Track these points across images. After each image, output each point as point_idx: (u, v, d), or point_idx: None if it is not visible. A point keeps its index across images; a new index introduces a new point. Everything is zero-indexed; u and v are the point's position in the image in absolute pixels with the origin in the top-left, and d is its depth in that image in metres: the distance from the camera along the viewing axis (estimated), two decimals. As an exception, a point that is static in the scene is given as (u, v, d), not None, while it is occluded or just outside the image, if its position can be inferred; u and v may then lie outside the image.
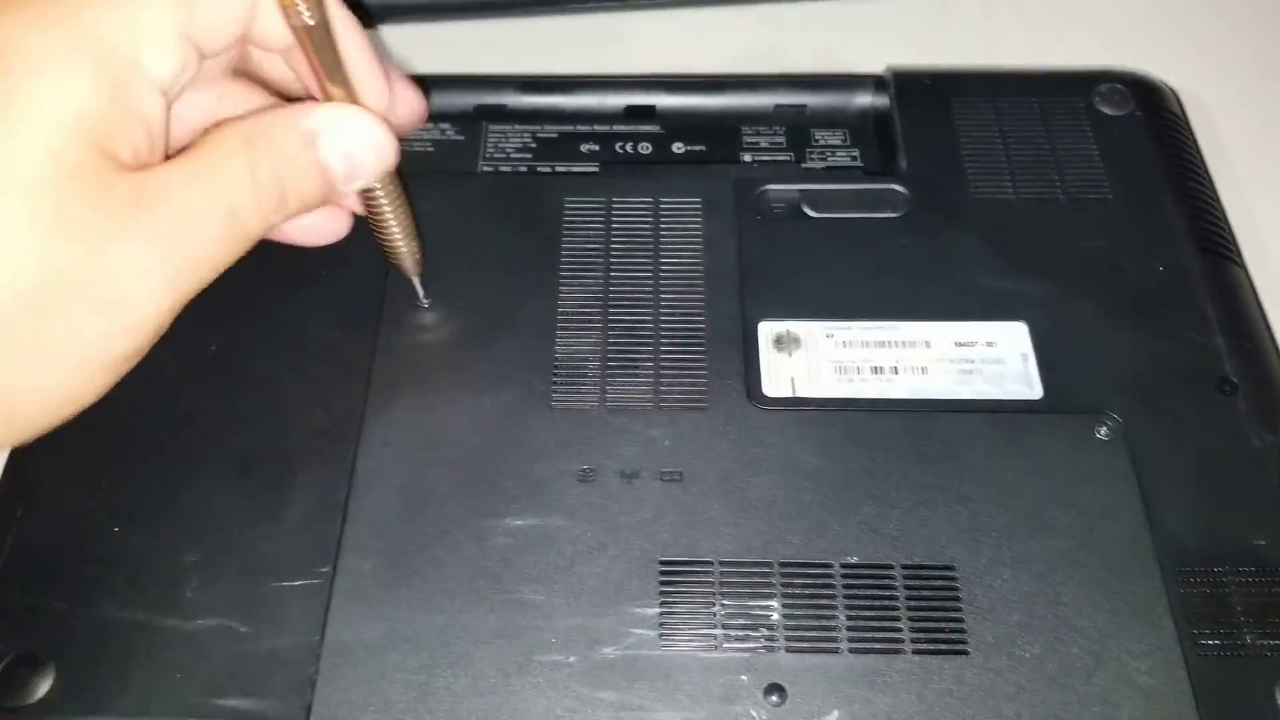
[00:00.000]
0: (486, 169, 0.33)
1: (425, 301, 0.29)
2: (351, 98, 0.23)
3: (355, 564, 0.25)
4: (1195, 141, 0.32)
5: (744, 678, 0.23)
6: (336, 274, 0.29)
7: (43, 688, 0.23)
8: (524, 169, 0.32)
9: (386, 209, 0.25)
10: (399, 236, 0.26)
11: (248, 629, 0.24)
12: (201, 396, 0.27)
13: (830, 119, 0.34)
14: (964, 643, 0.23)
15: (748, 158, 0.33)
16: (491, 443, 0.26)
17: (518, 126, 0.34)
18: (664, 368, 0.27)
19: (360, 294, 0.29)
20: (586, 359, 0.28)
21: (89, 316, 0.18)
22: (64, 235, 0.18)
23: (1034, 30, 0.40)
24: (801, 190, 0.31)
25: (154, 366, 0.28)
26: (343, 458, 0.26)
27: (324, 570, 0.25)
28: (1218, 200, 0.31)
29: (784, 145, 0.33)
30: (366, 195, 0.25)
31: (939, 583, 0.24)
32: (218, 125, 0.21)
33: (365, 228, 0.26)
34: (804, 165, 0.32)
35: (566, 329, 0.28)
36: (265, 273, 0.29)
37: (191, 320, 0.29)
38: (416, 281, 0.28)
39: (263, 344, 0.28)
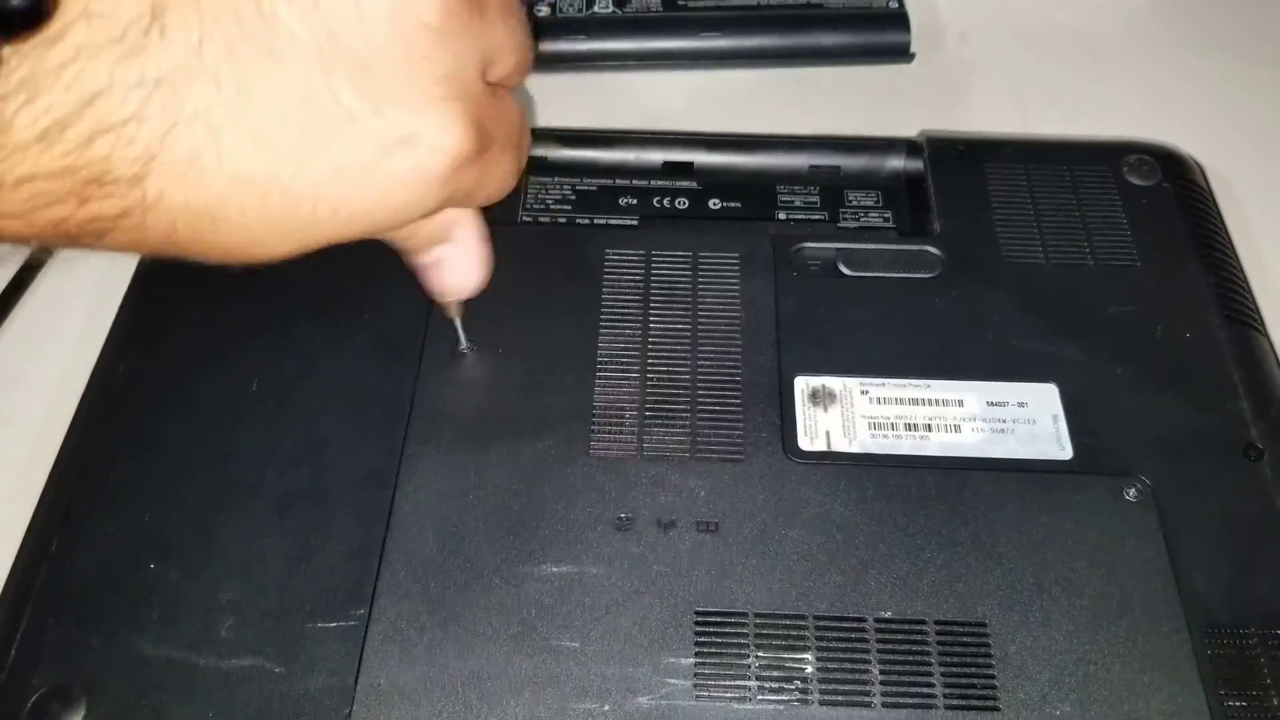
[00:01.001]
0: (526, 219, 0.35)
1: (467, 346, 0.30)
2: None
3: (391, 607, 0.26)
4: (1219, 213, 0.34)
5: (778, 730, 0.24)
6: (378, 317, 0.31)
7: (74, 722, 0.25)
8: (563, 220, 0.35)
9: None
10: None
11: (282, 669, 0.25)
12: (242, 435, 0.29)
13: (864, 180, 0.36)
14: (995, 699, 0.24)
15: (783, 215, 0.35)
16: (528, 488, 0.28)
17: (558, 179, 0.36)
18: (701, 419, 0.29)
19: (401, 337, 0.31)
20: (624, 408, 0.29)
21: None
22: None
23: (1051, 98, 0.42)
24: (838, 249, 0.33)
25: (195, 403, 0.30)
26: (381, 500, 0.28)
27: (360, 612, 0.26)
28: (1241, 270, 0.33)
29: (818, 205, 0.35)
30: None
31: (971, 639, 0.25)
32: None
33: (408, 271, 0.28)
34: (838, 225, 0.35)
35: (605, 378, 0.30)
36: (308, 314, 0.32)
37: (233, 359, 0.31)
38: (459, 324, 0.30)
39: (304, 384, 0.30)
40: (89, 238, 0.18)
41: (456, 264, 0.25)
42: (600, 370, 0.30)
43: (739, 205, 0.36)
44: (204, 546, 0.27)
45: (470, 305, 0.29)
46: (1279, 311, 0.34)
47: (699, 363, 0.30)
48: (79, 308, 0.35)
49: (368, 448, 0.29)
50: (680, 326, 0.31)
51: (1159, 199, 0.34)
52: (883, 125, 0.37)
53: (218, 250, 0.19)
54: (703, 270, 0.32)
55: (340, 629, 0.26)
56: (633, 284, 0.32)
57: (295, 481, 0.28)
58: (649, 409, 0.29)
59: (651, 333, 0.31)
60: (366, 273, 0.30)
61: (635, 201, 0.35)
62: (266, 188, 0.18)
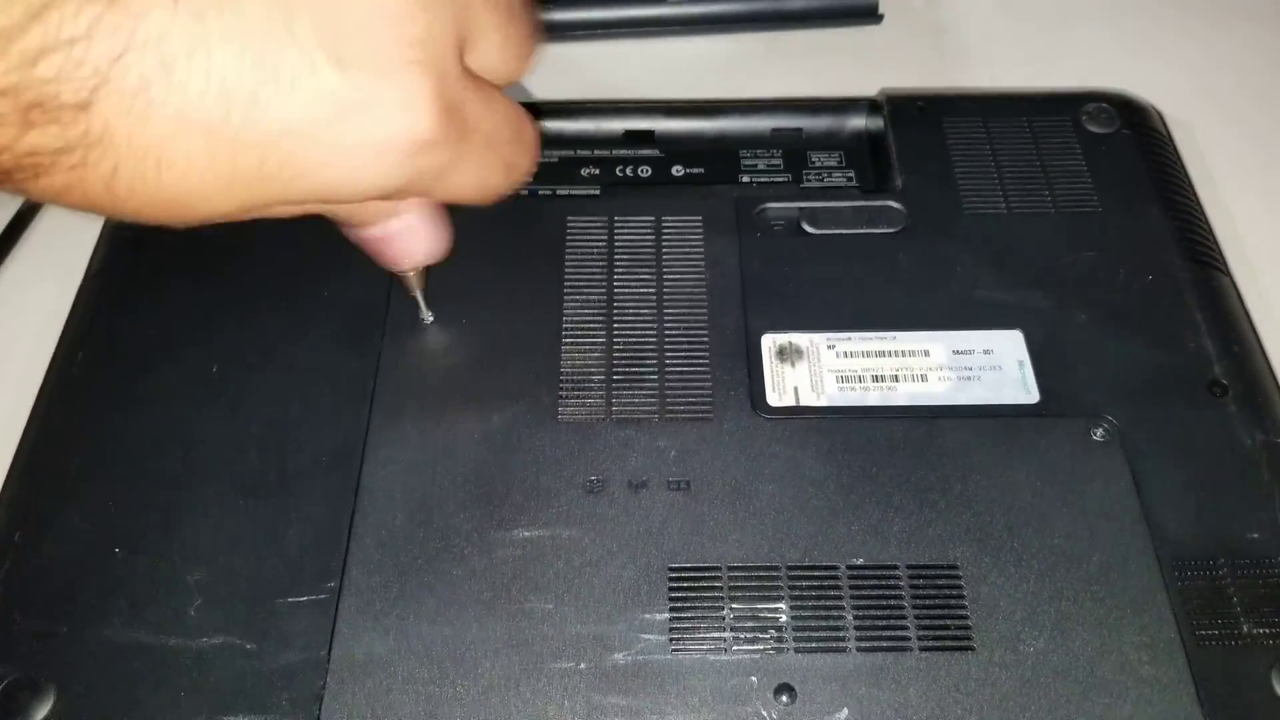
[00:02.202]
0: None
1: (428, 317, 0.31)
2: None
3: (362, 579, 0.27)
4: (1179, 158, 0.36)
5: (754, 679, 0.25)
6: (339, 294, 0.32)
7: (42, 711, 0.25)
8: (525, 192, 0.35)
9: None
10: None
11: (253, 646, 0.26)
12: (205, 418, 0.29)
13: (826, 141, 0.37)
14: (969, 639, 0.25)
15: (746, 179, 0.36)
16: (497, 457, 0.28)
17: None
18: (669, 380, 0.30)
19: (362, 313, 0.31)
20: (592, 373, 0.30)
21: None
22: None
23: (1021, 56, 0.44)
24: (800, 208, 0.34)
25: (156, 389, 0.31)
26: (348, 475, 0.28)
27: (330, 585, 0.26)
28: (1202, 213, 0.34)
29: (781, 167, 0.36)
30: None
31: (943, 582, 0.26)
32: None
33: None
34: (802, 185, 0.35)
35: (571, 343, 0.31)
36: (267, 295, 0.32)
37: (193, 343, 0.32)
38: (420, 297, 0.30)
39: (265, 363, 0.30)
40: (24, 175, 0.18)
41: (405, 239, 0.25)
42: (566, 336, 0.31)
43: (702, 171, 0.36)
44: (170, 531, 0.27)
45: (431, 277, 0.30)
46: (1241, 253, 0.35)
47: (665, 325, 0.31)
48: (38, 299, 0.35)
49: (333, 424, 0.29)
50: (645, 290, 0.32)
51: (1119, 146, 0.35)
52: (853, 88, 0.38)
53: (158, 203, 0.19)
54: (666, 234, 0.33)
55: (311, 603, 0.26)
56: (596, 250, 0.33)
57: (261, 462, 0.29)
58: (616, 372, 0.30)
59: (616, 297, 0.32)
60: (325, 248, 0.31)
61: (598, 171, 0.36)
62: (215, 132, 0.18)
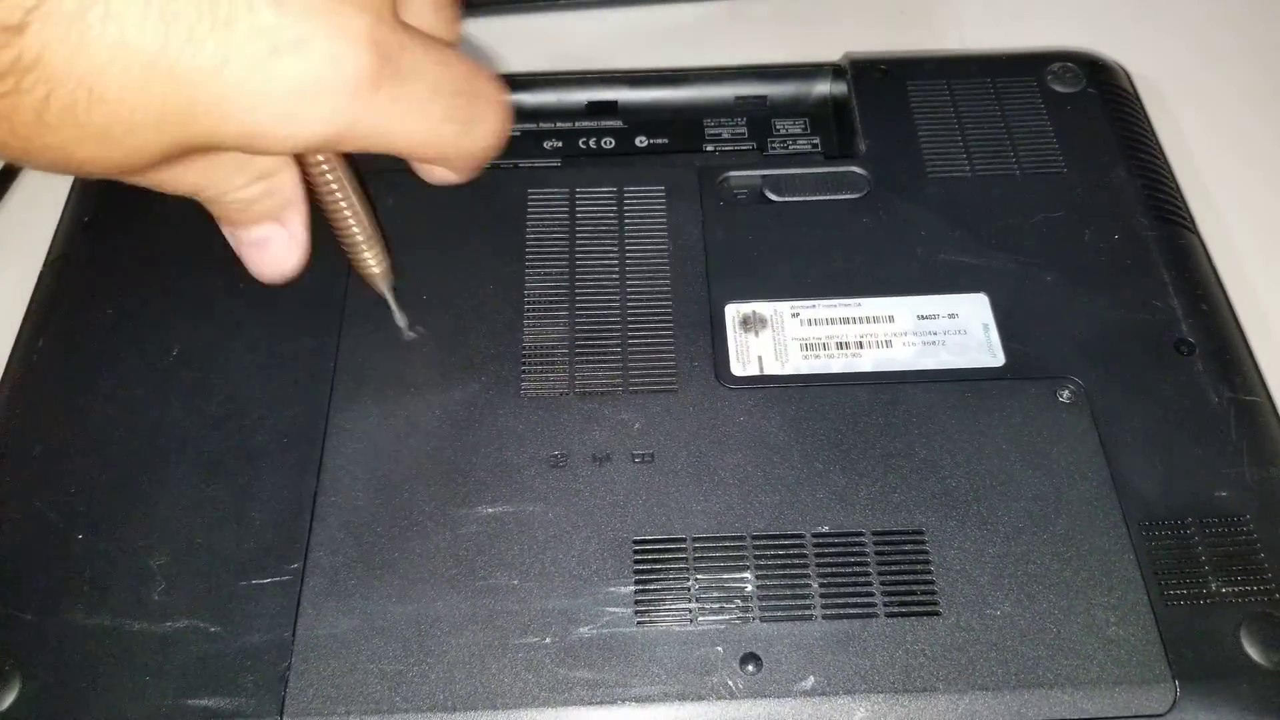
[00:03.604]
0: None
1: (408, 330, 0.30)
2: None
3: (326, 559, 0.26)
4: (1146, 116, 0.35)
5: (720, 649, 0.25)
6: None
7: (7, 699, 0.25)
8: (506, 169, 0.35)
9: (349, 218, 0.26)
10: (362, 247, 0.27)
11: (218, 628, 0.25)
12: (165, 402, 0.29)
13: (791, 108, 0.36)
14: (935, 603, 0.25)
15: (710, 148, 0.35)
16: (461, 433, 0.28)
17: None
18: (632, 352, 0.29)
19: (322, 290, 0.31)
20: (554, 347, 0.30)
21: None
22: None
23: (988, 18, 0.43)
24: (764, 176, 0.33)
25: (116, 374, 0.30)
26: (310, 456, 0.28)
27: (294, 567, 0.26)
28: (1169, 171, 0.34)
29: (746, 135, 0.36)
30: (329, 207, 0.26)
31: (909, 547, 0.26)
32: None
33: (323, 224, 0.28)
34: (765, 153, 0.35)
35: (533, 318, 0.30)
36: (225, 277, 0.32)
37: (152, 327, 0.31)
38: (392, 301, 0.29)
39: (225, 345, 0.30)
40: None
41: (276, 248, 0.25)
42: (528, 310, 0.30)
43: (666, 141, 0.36)
44: (132, 515, 0.27)
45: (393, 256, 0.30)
46: (1210, 210, 0.35)
47: (628, 297, 0.30)
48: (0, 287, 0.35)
49: (294, 405, 0.29)
50: (607, 262, 0.31)
51: (1084, 106, 0.34)
52: (819, 54, 0.38)
53: (86, 142, 0.19)
54: (628, 205, 0.32)
55: (275, 584, 0.26)
56: (557, 223, 0.32)
57: (222, 444, 0.28)
58: (579, 346, 0.30)
59: (579, 270, 0.31)
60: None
61: (560, 144, 0.36)
62: (151, 64, 0.18)
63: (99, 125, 0.19)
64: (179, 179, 0.22)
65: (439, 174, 0.25)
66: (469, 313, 0.30)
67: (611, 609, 0.25)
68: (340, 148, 0.22)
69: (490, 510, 0.27)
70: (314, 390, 0.29)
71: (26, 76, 0.17)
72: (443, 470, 0.27)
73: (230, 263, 0.25)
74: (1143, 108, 0.35)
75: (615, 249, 0.31)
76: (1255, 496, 0.26)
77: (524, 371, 0.29)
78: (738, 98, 0.36)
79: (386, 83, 0.20)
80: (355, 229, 0.27)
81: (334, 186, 0.26)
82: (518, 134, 0.35)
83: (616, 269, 0.31)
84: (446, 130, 0.23)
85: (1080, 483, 0.27)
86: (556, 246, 0.32)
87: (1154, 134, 0.35)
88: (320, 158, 0.25)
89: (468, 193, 0.33)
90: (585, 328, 0.30)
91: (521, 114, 0.36)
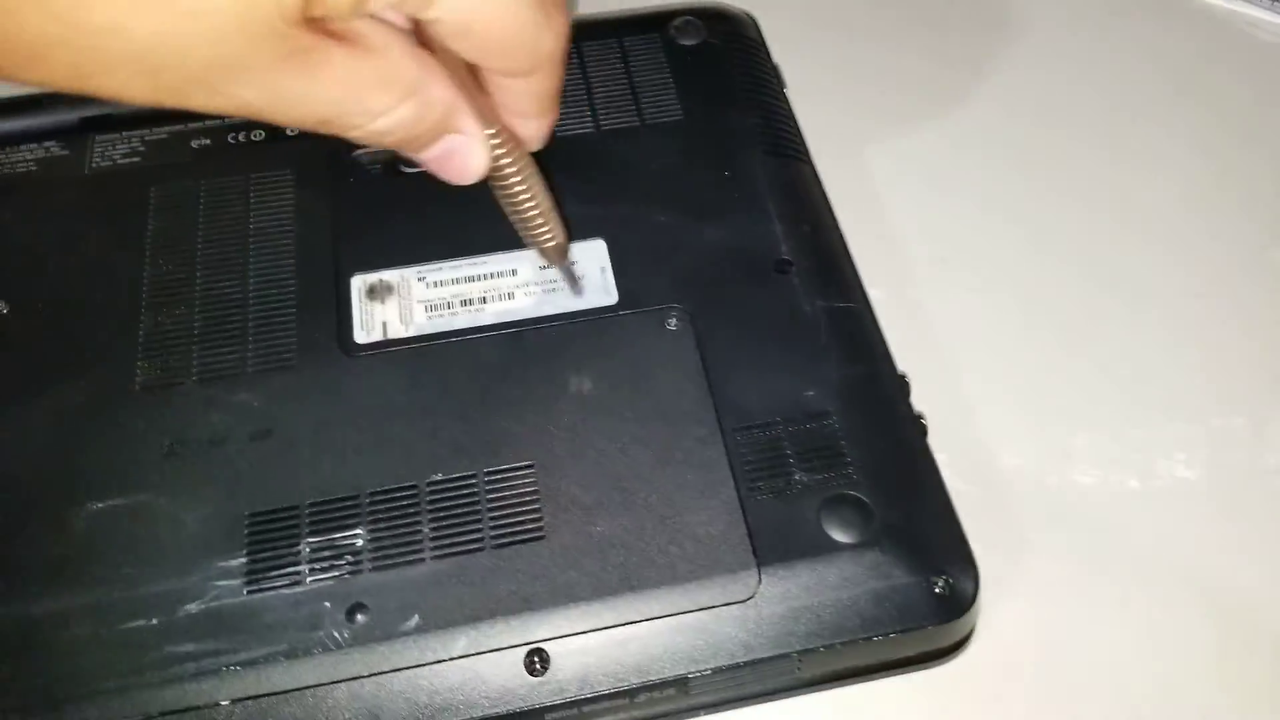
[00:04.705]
0: (89, 174, 0.34)
1: (582, 293, 0.30)
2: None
3: (-70, 575, 0.26)
4: (769, 60, 0.37)
5: (327, 604, 0.25)
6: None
7: None
8: (108, 162, 0.34)
9: (520, 193, 0.25)
10: (534, 220, 0.26)
11: None
12: None
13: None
14: (540, 528, 0.26)
15: (354, 131, 0.36)
16: (73, 432, 0.28)
17: (126, 133, 0.36)
18: (254, 334, 0.30)
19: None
20: (174, 336, 0.30)
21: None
22: None
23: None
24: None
25: None
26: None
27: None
28: (788, 109, 0.36)
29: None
30: (498, 182, 0.25)
31: (518, 481, 0.27)
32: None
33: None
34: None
35: (151, 310, 0.30)
36: None
37: None
38: (568, 270, 0.29)
39: None
40: None
41: (460, 156, 0.23)
42: (145, 304, 0.30)
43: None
44: None
45: (9, 257, 0.29)
46: (832, 142, 0.37)
47: (251, 280, 0.31)
48: None
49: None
50: (230, 250, 0.31)
51: (708, 56, 0.37)
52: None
53: (84, 39, 0.16)
54: (255, 192, 0.33)
55: None
56: (181, 215, 0.32)
57: None
58: (199, 334, 0.30)
59: (202, 260, 0.31)
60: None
61: (209, 142, 0.36)
62: None
63: (97, 19, 0.16)
64: (301, 94, 0.19)
65: (528, 121, 0.23)
66: (86, 312, 0.30)
67: (221, 582, 0.25)
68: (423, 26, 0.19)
69: (100, 505, 0.27)
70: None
71: None
72: (54, 471, 0.27)
73: None
74: (766, 52, 0.37)
75: (239, 235, 0.32)
76: (839, 393, 0.29)
77: (140, 363, 0.29)
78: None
79: (313, 25, 0.18)
80: (533, 206, 0.26)
81: (511, 166, 0.24)
82: (165, 136, 0.35)
83: (240, 254, 0.31)
84: (526, 17, 0.20)
85: (681, 400, 0.28)
86: (179, 238, 0.32)
87: (775, 76, 0.37)
88: (497, 140, 0.23)
89: (88, 195, 0.33)
90: (207, 314, 0.30)
91: (170, 116, 0.35)
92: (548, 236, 0.27)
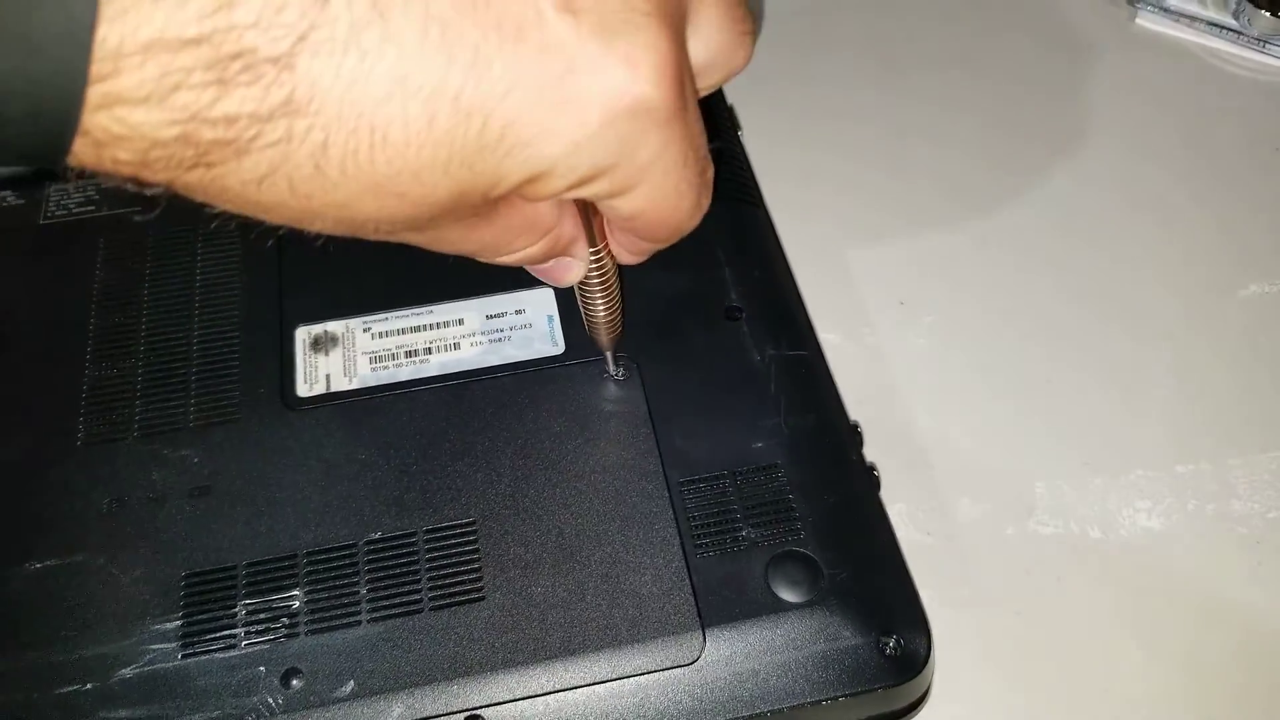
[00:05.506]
0: (46, 223, 0.35)
1: (616, 372, 0.30)
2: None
3: None
4: (724, 102, 0.37)
5: (262, 669, 0.25)
6: None
7: None
8: (58, 215, 0.34)
9: (598, 299, 0.26)
10: (602, 319, 0.27)
11: None
12: None
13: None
14: (480, 590, 0.26)
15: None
16: (14, 489, 0.28)
17: (82, 182, 0.36)
18: (197, 387, 0.30)
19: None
20: (116, 392, 0.30)
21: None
22: None
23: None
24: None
25: None
26: None
27: None
28: (742, 152, 0.36)
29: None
30: (585, 284, 0.26)
31: (459, 539, 0.27)
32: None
33: None
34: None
35: (95, 366, 0.30)
36: None
37: None
38: (609, 357, 0.29)
39: None
40: (221, 155, 0.15)
41: (561, 270, 0.24)
42: (90, 359, 0.30)
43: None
44: None
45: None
46: (788, 185, 0.37)
47: (196, 334, 0.31)
48: None
49: None
50: (177, 303, 0.31)
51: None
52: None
53: (370, 194, 0.16)
54: (204, 243, 0.33)
55: None
56: (129, 267, 0.32)
57: None
58: (142, 389, 0.30)
59: (148, 312, 0.31)
60: None
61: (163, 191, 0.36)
62: (436, 92, 0.16)
63: (384, 172, 0.16)
64: (464, 238, 0.20)
65: (636, 249, 0.23)
66: (28, 368, 0.30)
67: (156, 645, 0.25)
68: (594, 194, 0.19)
69: (37, 565, 0.26)
70: None
71: (299, 119, 0.15)
72: (-8, 532, 0.27)
73: None
74: (722, 96, 0.37)
75: (187, 288, 0.32)
76: (788, 445, 0.28)
77: (82, 420, 0.29)
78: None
79: (678, 119, 0.18)
80: (606, 306, 0.27)
81: (601, 276, 0.25)
82: (97, 195, 0.35)
83: (187, 308, 0.31)
84: (687, 189, 0.20)
85: (627, 452, 0.28)
86: (126, 291, 0.32)
87: (732, 119, 0.37)
88: (598, 256, 0.24)
89: (41, 244, 0.33)
90: (151, 370, 0.30)
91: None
92: (609, 331, 0.28)
